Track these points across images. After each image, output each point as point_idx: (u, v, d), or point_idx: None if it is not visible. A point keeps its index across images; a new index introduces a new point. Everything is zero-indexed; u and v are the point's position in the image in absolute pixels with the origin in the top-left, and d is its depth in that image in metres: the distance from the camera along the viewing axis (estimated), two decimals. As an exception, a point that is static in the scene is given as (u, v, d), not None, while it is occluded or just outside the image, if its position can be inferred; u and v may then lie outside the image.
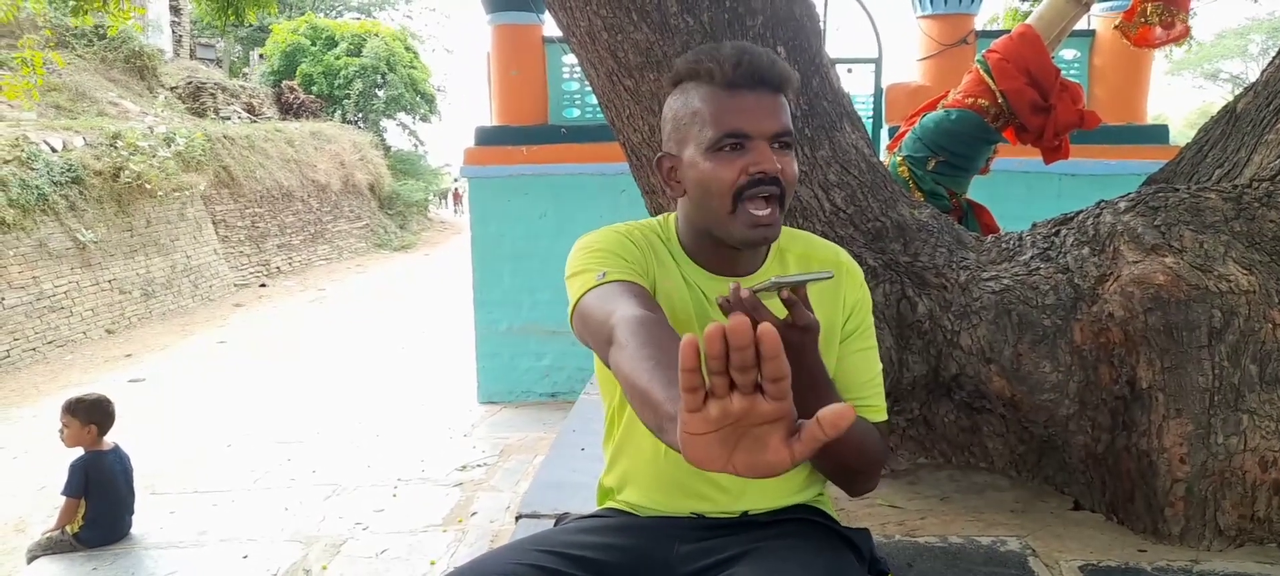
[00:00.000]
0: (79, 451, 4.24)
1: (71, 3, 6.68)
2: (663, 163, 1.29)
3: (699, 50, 1.23)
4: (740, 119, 1.18)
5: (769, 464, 0.74)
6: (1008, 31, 3.89)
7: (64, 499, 4.21)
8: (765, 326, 0.69)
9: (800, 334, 1.11)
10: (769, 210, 1.19)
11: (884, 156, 3.52)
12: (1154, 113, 6.51)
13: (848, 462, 1.31)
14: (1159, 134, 6.21)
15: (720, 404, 0.71)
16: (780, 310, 1.10)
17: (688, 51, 1.28)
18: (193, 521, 4.62)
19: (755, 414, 0.71)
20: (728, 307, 1.10)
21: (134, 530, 4.47)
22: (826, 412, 0.70)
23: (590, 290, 1.19)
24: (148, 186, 12.08)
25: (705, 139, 1.20)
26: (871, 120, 6.19)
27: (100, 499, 4.23)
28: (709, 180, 1.20)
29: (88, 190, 11.27)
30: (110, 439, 4.41)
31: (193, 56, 21.93)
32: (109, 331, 10.95)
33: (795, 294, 1.10)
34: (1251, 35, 29.19)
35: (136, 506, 4.53)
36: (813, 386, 1.20)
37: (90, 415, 4.25)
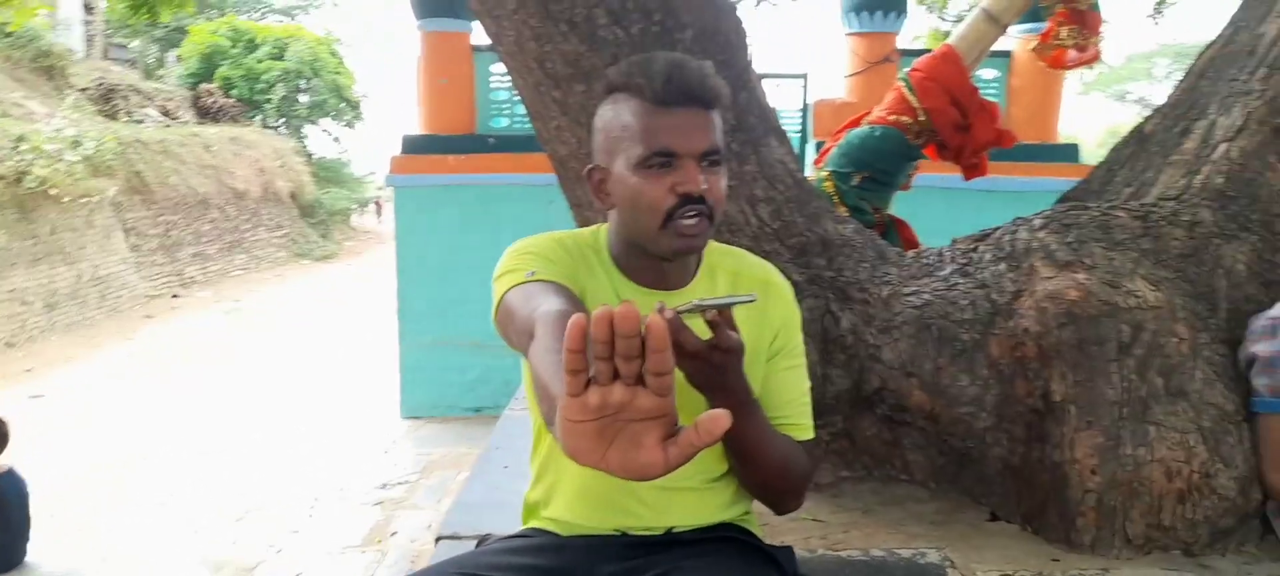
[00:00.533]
0: None
1: (-28, 0, 6.35)
2: (593, 174, 1.28)
3: (631, 62, 1.22)
4: (669, 137, 1.17)
5: (643, 464, 0.73)
6: (930, 50, 3.99)
7: None
8: (654, 317, 0.69)
9: (723, 355, 1.10)
10: (697, 222, 1.19)
11: (811, 172, 3.57)
12: (1067, 132, 6.76)
13: (772, 482, 1.31)
14: (1070, 153, 6.45)
15: (600, 391, 0.70)
16: (705, 331, 1.09)
17: (620, 62, 1.26)
18: (95, 546, 4.41)
19: (635, 407, 0.70)
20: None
21: (30, 557, 4.24)
22: (703, 418, 0.70)
23: (516, 287, 1.18)
24: (53, 192, 11.52)
25: (634, 155, 1.18)
26: (799, 135, 6.27)
27: None
28: (637, 197, 1.19)
29: (-13, 196, 10.72)
30: (5, 461, 4.18)
31: (105, 57, 21.07)
32: (8, 344, 10.40)
33: (720, 315, 1.09)
34: (1157, 59, 30.62)
35: (34, 531, 4.30)
36: (737, 407, 1.19)
37: None
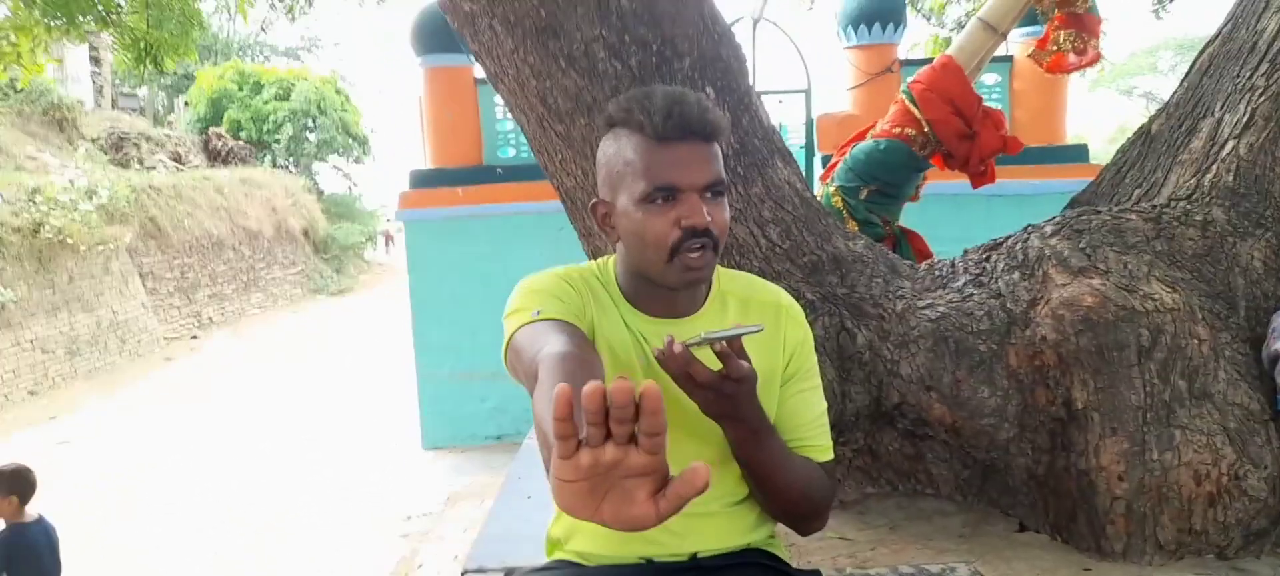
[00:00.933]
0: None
1: (-20, 59, 6.44)
2: (598, 208, 1.29)
3: (631, 96, 1.22)
4: (671, 172, 1.17)
5: (635, 518, 0.74)
6: (931, 60, 3.99)
7: None
8: (649, 384, 0.69)
9: (735, 385, 1.10)
10: (702, 255, 1.19)
11: (818, 187, 3.57)
12: (1076, 132, 6.73)
13: (792, 506, 1.31)
14: (1079, 154, 6.42)
15: (592, 454, 0.71)
16: (714, 362, 1.10)
17: (620, 95, 1.27)
18: (125, 591, 4.44)
19: (626, 465, 0.71)
20: (663, 360, 1.09)
21: (61, 604, 4.27)
22: (685, 472, 0.71)
23: (523, 327, 1.19)
24: (69, 241, 11.64)
25: (637, 191, 1.19)
26: (804, 149, 6.28)
27: (22, 572, 4.02)
28: (642, 231, 1.20)
29: (6, 248, 10.82)
30: (33, 509, 4.20)
31: (115, 106, 21.32)
32: (32, 393, 10.49)
33: (729, 346, 1.09)
34: (1160, 52, 30.48)
35: (66, 572, 4.33)
36: (752, 435, 1.20)
37: (10, 487, 4.04)
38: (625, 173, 1.21)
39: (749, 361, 1.13)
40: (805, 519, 1.34)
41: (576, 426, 0.71)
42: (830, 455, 1.36)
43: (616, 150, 1.22)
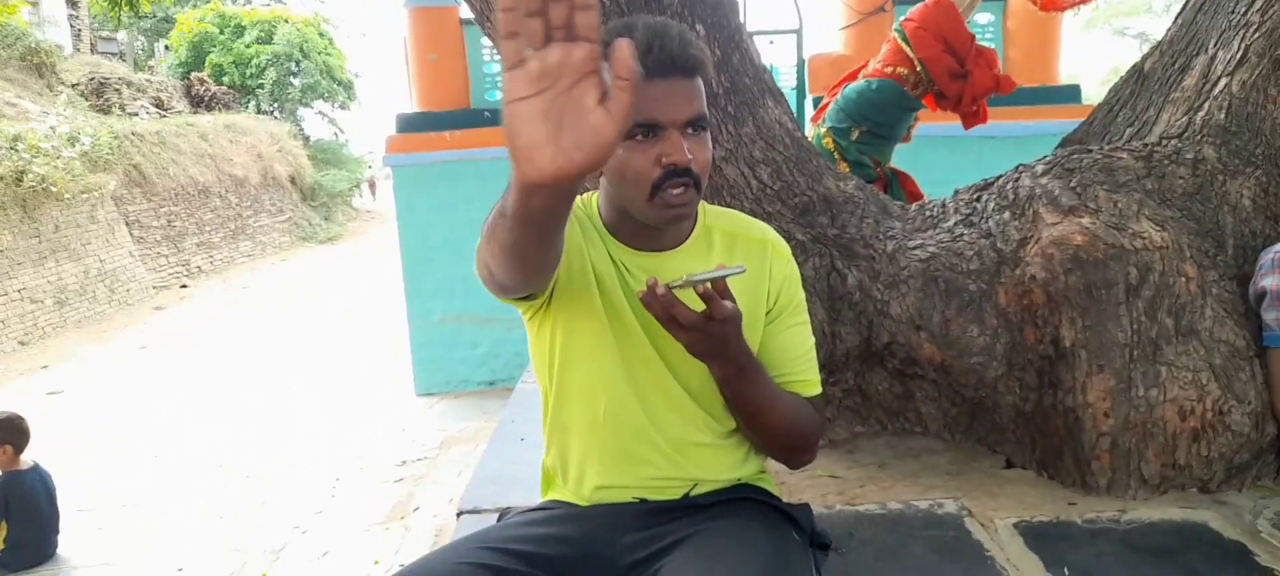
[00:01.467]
0: None
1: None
2: None
3: (611, 29, 1.20)
4: (653, 108, 1.16)
5: (593, 128, 0.72)
6: (924, -1, 3.94)
7: None
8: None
9: (720, 326, 1.12)
10: (683, 192, 1.19)
11: (809, 128, 3.55)
12: (1068, 72, 6.69)
13: (781, 440, 1.33)
14: (1072, 94, 6.39)
15: (539, 57, 0.70)
16: (697, 303, 1.10)
17: (603, 26, 1.25)
18: (124, 537, 4.47)
19: (570, 63, 0.70)
20: (646, 300, 1.10)
21: (61, 549, 4.31)
22: (616, 50, 0.71)
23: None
24: (53, 189, 11.52)
25: None
26: (795, 91, 6.23)
27: (23, 521, 4.06)
28: (624, 168, 1.19)
29: (-11, 197, 10.73)
30: (29, 457, 4.22)
31: (94, 51, 20.93)
32: (22, 343, 10.47)
33: (712, 286, 1.10)
34: (1154, -9, 30.21)
35: (62, 525, 4.37)
36: (738, 373, 1.22)
37: (3, 435, 4.06)
38: None
39: (733, 301, 1.14)
40: (794, 452, 1.36)
41: (521, 25, 0.69)
42: (818, 390, 1.38)
43: None
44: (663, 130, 1.17)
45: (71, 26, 20.08)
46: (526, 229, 0.91)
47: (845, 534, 1.98)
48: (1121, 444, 2.06)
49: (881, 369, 2.44)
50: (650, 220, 1.23)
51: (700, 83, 1.21)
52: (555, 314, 1.30)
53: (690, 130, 1.19)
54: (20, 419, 4.17)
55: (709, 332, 1.12)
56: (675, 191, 1.18)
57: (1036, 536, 1.94)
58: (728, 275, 1.08)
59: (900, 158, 3.39)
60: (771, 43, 6.26)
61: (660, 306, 1.09)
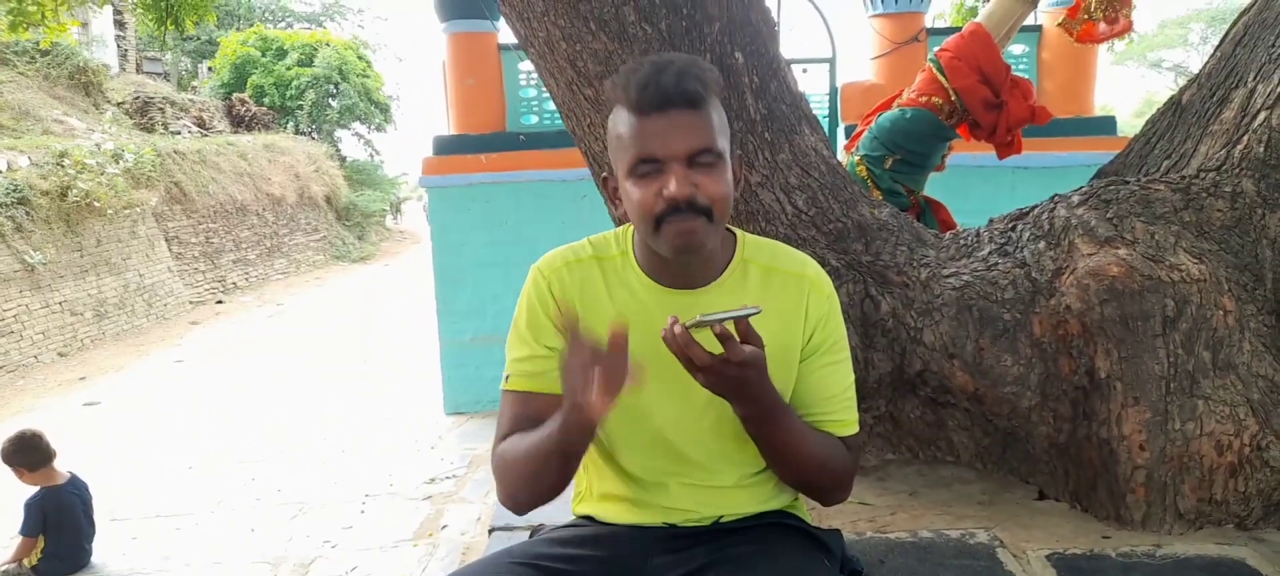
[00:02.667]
0: (34, 488, 4.15)
1: (7, 17, 6.51)
2: (607, 182, 1.32)
3: (622, 70, 1.23)
4: (651, 143, 1.18)
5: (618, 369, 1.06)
6: (958, 28, 3.95)
7: (20, 537, 4.12)
8: (614, 328, 1.02)
9: (738, 369, 1.11)
10: (691, 224, 1.19)
11: (841, 156, 3.56)
12: (1101, 104, 6.63)
13: (810, 481, 1.32)
14: (1107, 126, 6.34)
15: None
16: (716, 346, 1.10)
17: (619, 69, 1.30)
18: (156, 546, 4.53)
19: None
20: (667, 340, 1.11)
21: (95, 558, 4.38)
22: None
23: (504, 391, 1.36)
24: (97, 205, 11.80)
25: (626, 163, 1.21)
26: (827, 119, 6.24)
27: (59, 533, 4.14)
28: (632, 204, 1.22)
29: (35, 211, 10.97)
30: (65, 469, 4.31)
31: (139, 71, 21.45)
32: (61, 354, 10.68)
33: (737, 327, 1.10)
34: (1192, 25, 29.95)
35: (97, 534, 4.44)
36: (763, 415, 1.20)
37: (14, 459, 4.13)
38: (617, 146, 1.23)
39: (758, 341, 1.12)
40: (824, 492, 1.34)
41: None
42: (854, 430, 1.35)
43: (613, 125, 1.25)
44: (664, 165, 1.18)
45: (118, 47, 20.61)
46: (574, 461, 1.23)
47: (875, 561, 1.97)
48: (1157, 477, 2.04)
49: (914, 397, 2.44)
50: (663, 251, 1.23)
51: (710, 114, 1.20)
52: None
53: (696, 162, 1.18)
54: (33, 436, 4.17)
55: (726, 375, 1.11)
56: (677, 225, 1.18)
57: (1070, 569, 1.93)
58: (741, 316, 1.08)
59: (934, 186, 3.39)
60: (805, 71, 6.28)
61: (678, 346, 1.09)
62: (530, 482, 1.24)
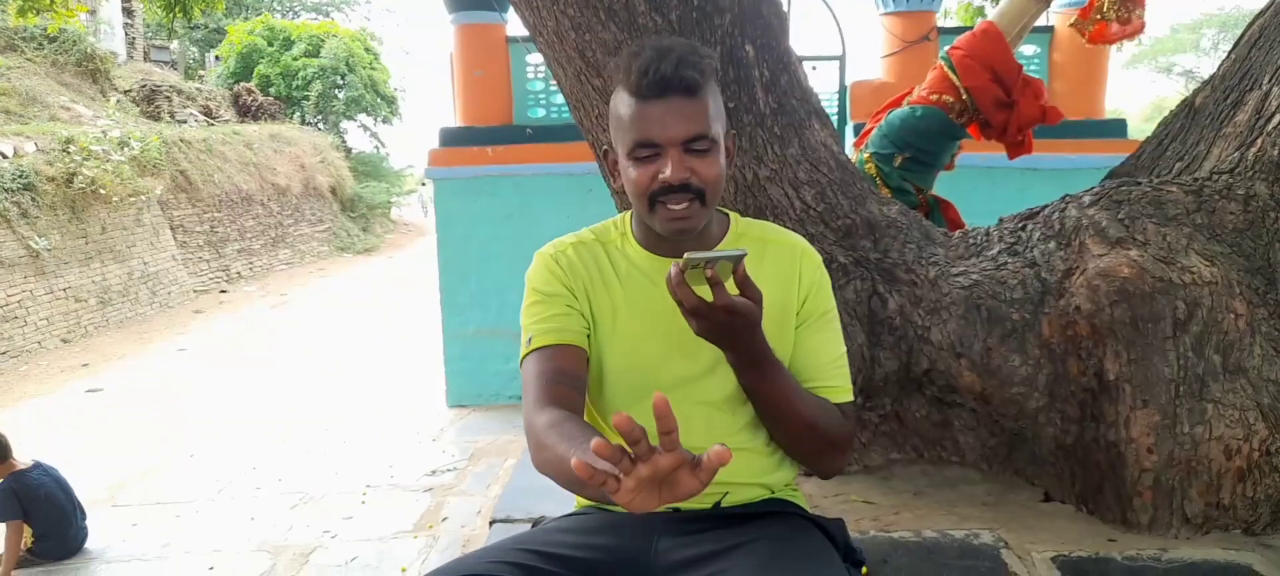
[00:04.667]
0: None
1: (16, 2, 6.51)
2: (608, 156, 1.38)
3: (625, 52, 1.28)
4: (650, 128, 1.23)
5: (687, 492, 0.91)
6: (969, 27, 3.93)
7: (3, 524, 4.16)
8: (656, 398, 0.89)
9: (726, 315, 1.14)
10: (685, 206, 1.25)
11: (850, 154, 3.54)
12: (1111, 107, 6.60)
13: (803, 440, 1.34)
14: (1117, 128, 6.31)
15: (648, 465, 0.89)
16: (708, 294, 1.14)
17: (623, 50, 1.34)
18: (156, 533, 4.53)
19: (660, 467, 0.89)
20: (668, 283, 1.15)
21: (95, 543, 4.39)
22: (714, 450, 0.88)
23: (526, 357, 1.34)
24: (102, 192, 11.80)
25: (625, 145, 1.27)
26: (836, 117, 6.21)
27: (42, 514, 4.18)
28: (629, 184, 1.29)
29: (40, 197, 10.98)
30: (27, 458, 4.35)
31: (147, 59, 21.45)
32: (65, 341, 10.69)
33: (724, 274, 1.13)
34: (1204, 29, 29.85)
35: (96, 518, 4.45)
36: (751, 364, 1.24)
37: None
38: (618, 127, 1.29)
39: (756, 294, 1.17)
40: (820, 455, 1.37)
41: (622, 466, 0.89)
42: (848, 397, 1.40)
43: (615, 105, 1.30)
44: (661, 149, 1.24)
45: (126, 34, 20.60)
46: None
47: (878, 560, 1.96)
48: (1165, 481, 2.02)
49: (920, 395, 2.42)
50: (658, 229, 1.31)
51: (706, 100, 1.25)
52: (591, 354, 1.39)
53: (691, 148, 1.24)
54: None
55: (715, 321, 1.15)
56: (673, 205, 1.25)
57: (1075, 571, 1.91)
58: (729, 256, 1.11)
59: (942, 186, 3.37)
60: (814, 69, 6.25)
61: (672, 287, 1.14)
62: (555, 476, 1.25)
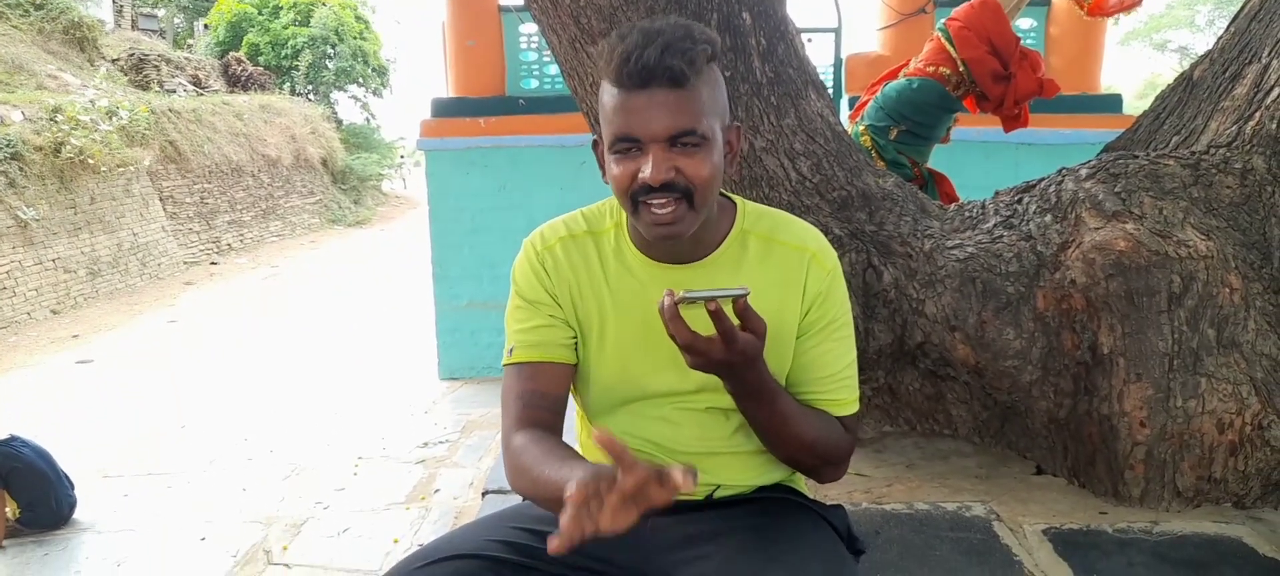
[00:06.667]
0: None
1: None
2: (597, 146, 1.26)
3: (612, 35, 1.16)
4: (631, 122, 1.12)
5: (659, 502, 0.90)
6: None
7: None
8: (597, 434, 0.91)
9: (726, 351, 1.07)
10: (669, 209, 1.13)
11: (846, 126, 3.52)
12: (1105, 84, 6.58)
13: (801, 460, 1.29)
14: (1113, 103, 6.29)
15: (617, 493, 0.89)
16: (708, 324, 1.06)
17: (612, 33, 1.20)
18: (147, 504, 4.52)
19: (628, 488, 0.89)
20: (661, 312, 1.08)
21: (86, 515, 4.38)
22: (676, 476, 0.88)
23: (506, 364, 1.31)
24: (91, 162, 11.70)
25: (608, 137, 1.16)
26: (832, 90, 6.18)
27: (23, 483, 4.16)
28: (612, 180, 1.17)
29: (28, 166, 10.87)
30: (3, 431, 4.34)
31: (135, 27, 21.23)
32: (54, 312, 10.63)
33: (734, 309, 1.06)
34: (1199, 6, 29.78)
35: (86, 490, 4.44)
36: (748, 394, 1.18)
37: None
38: (603, 118, 1.17)
39: (759, 327, 1.09)
40: (814, 469, 1.31)
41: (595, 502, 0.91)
42: (852, 409, 1.32)
43: (601, 93, 1.19)
44: (643, 144, 1.12)
45: (114, 2, 20.36)
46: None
47: (871, 532, 1.97)
48: (1157, 454, 2.03)
49: (913, 369, 2.42)
50: (642, 231, 1.20)
51: (696, 91, 1.12)
52: (579, 362, 1.34)
53: (677, 144, 1.12)
54: None
55: (712, 357, 1.08)
56: (656, 208, 1.14)
57: (1066, 543, 1.92)
58: (727, 296, 1.04)
59: (937, 159, 3.35)
60: (810, 40, 6.21)
61: (668, 324, 1.07)
62: (533, 500, 1.24)
